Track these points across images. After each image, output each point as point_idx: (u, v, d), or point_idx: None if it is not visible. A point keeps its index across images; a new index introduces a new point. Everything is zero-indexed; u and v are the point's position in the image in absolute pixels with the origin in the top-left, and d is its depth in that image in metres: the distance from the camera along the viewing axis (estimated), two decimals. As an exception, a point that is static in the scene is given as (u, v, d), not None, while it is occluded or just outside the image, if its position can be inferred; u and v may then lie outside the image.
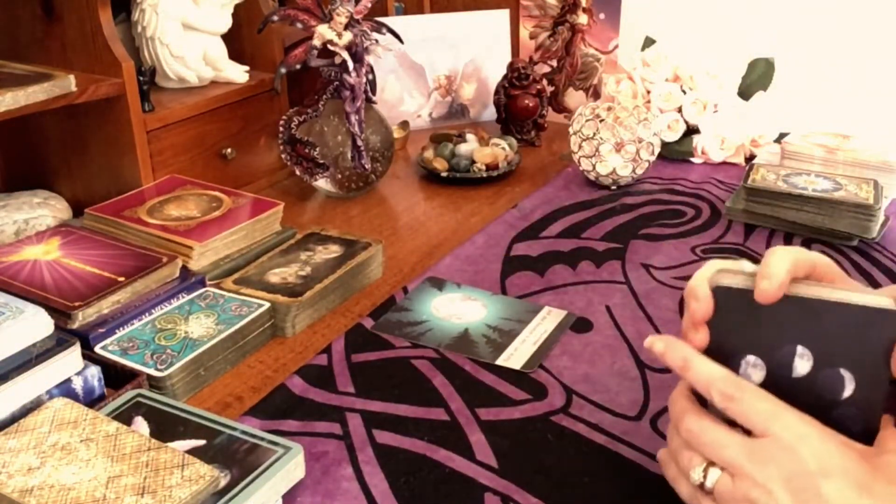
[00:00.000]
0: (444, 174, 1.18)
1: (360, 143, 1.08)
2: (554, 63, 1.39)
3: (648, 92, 1.25)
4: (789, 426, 0.47)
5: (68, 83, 0.92)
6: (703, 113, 1.22)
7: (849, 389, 0.50)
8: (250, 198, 0.98)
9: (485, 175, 1.17)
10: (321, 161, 1.07)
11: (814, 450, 0.46)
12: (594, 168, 1.13)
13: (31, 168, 1.10)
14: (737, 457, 0.48)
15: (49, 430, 0.60)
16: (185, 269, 0.85)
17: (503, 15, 1.44)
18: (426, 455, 0.65)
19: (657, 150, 1.15)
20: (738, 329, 0.52)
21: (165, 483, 0.55)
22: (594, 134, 1.11)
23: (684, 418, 0.51)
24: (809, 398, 0.50)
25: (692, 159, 1.24)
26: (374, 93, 1.14)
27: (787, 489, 0.46)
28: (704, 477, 0.49)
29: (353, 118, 1.07)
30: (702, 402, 0.52)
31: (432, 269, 0.94)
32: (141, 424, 0.63)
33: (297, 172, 1.10)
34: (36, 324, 0.64)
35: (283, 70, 1.08)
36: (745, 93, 1.26)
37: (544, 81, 1.35)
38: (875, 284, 0.88)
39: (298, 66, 1.06)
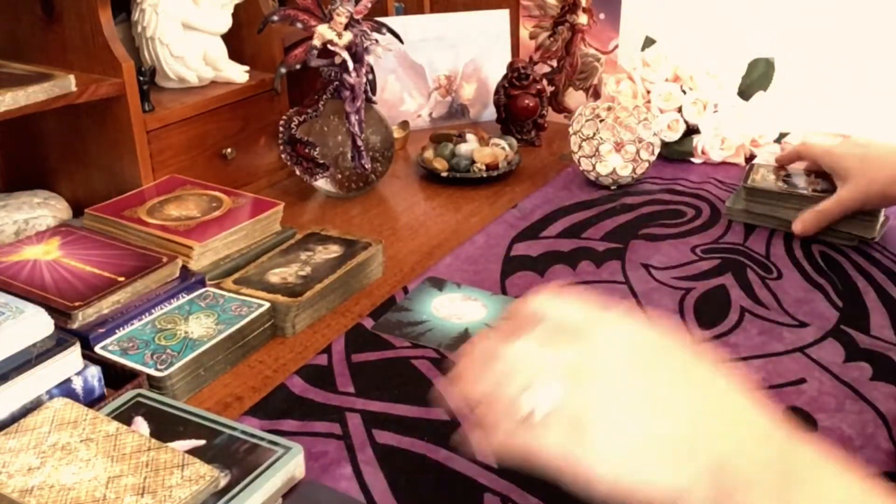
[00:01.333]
0: (444, 174, 1.18)
1: (360, 143, 1.08)
2: (554, 63, 1.39)
3: (648, 92, 1.25)
4: (601, 321, 0.48)
5: (68, 83, 0.92)
6: (703, 113, 1.22)
7: None
8: (250, 198, 0.98)
9: (485, 175, 1.17)
10: (321, 161, 1.07)
11: (634, 338, 0.47)
12: (594, 168, 1.13)
13: (31, 168, 1.10)
14: (568, 357, 0.46)
15: (49, 430, 0.60)
16: (185, 269, 0.85)
17: (503, 15, 1.44)
18: (426, 455, 0.65)
19: (657, 150, 1.15)
20: None
21: (165, 483, 0.55)
22: (594, 134, 1.11)
23: (509, 348, 0.47)
24: None
25: (692, 159, 1.24)
26: (374, 93, 1.14)
27: (624, 375, 0.45)
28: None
29: (353, 118, 1.07)
30: None
31: (432, 269, 0.94)
32: (141, 424, 0.63)
33: (297, 172, 1.10)
34: (36, 324, 0.64)
35: (283, 70, 1.08)
36: (745, 93, 1.26)
37: (544, 81, 1.35)
38: (876, 285, 0.88)
39: (298, 66, 1.06)
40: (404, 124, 1.37)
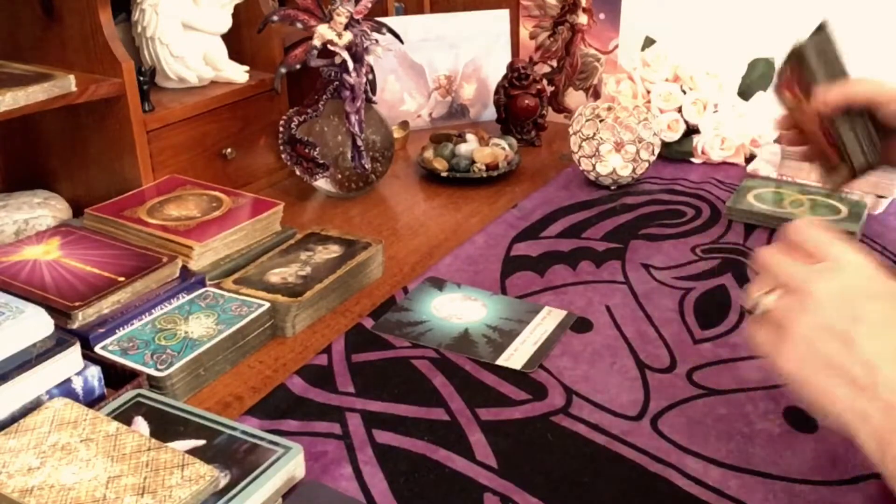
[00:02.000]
0: (444, 174, 1.18)
1: (360, 143, 1.08)
2: (554, 63, 1.39)
3: (648, 92, 1.25)
4: (845, 251, 0.52)
5: (68, 83, 0.92)
6: (703, 113, 1.22)
7: None
8: (250, 198, 0.98)
9: (485, 175, 1.17)
10: (321, 161, 1.07)
11: (864, 274, 0.51)
12: (594, 168, 1.13)
13: (31, 168, 1.10)
14: (797, 273, 0.51)
15: (49, 430, 0.60)
16: (185, 269, 0.85)
17: (503, 15, 1.44)
18: (426, 455, 0.65)
19: (657, 150, 1.15)
20: None
21: (165, 483, 0.55)
22: (594, 134, 1.11)
23: (760, 253, 0.55)
24: None
25: (692, 159, 1.24)
26: (374, 93, 1.14)
27: (834, 304, 0.49)
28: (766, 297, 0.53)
29: (353, 118, 1.07)
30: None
31: (432, 269, 0.94)
32: (141, 424, 0.63)
33: (297, 172, 1.10)
34: (36, 324, 0.64)
35: (283, 70, 1.08)
36: (745, 93, 1.26)
37: (544, 81, 1.35)
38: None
39: (298, 66, 1.06)
40: (404, 124, 1.37)
